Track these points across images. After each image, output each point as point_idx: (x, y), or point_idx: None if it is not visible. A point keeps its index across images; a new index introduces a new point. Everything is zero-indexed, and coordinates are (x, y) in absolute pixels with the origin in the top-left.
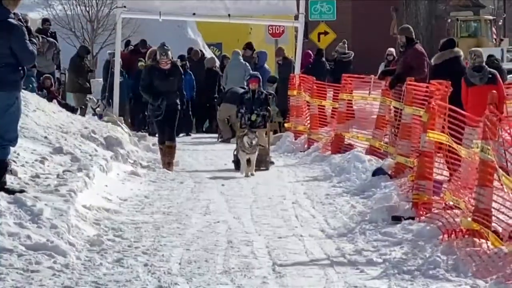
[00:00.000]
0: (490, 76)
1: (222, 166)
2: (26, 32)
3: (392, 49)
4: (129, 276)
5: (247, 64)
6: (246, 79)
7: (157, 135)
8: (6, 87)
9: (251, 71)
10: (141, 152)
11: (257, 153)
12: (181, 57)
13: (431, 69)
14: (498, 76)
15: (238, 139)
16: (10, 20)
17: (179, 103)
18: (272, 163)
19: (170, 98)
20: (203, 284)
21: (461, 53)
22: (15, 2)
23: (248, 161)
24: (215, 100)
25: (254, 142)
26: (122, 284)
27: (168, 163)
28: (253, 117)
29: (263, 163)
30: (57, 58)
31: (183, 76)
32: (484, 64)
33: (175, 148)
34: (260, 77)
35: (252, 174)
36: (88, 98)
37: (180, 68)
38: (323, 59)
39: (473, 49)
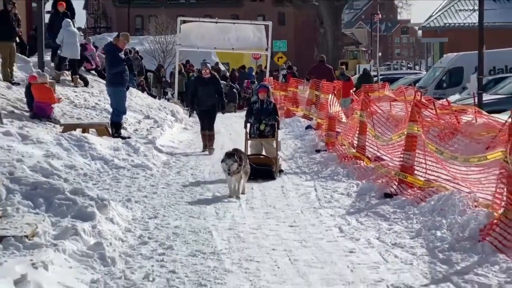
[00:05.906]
0: (347, 78)
1: (230, 125)
2: (116, 57)
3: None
4: (183, 180)
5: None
6: (256, 88)
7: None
8: (113, 85)
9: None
10: (189, 118)
11: (239, 174)
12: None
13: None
14: (351, 77)
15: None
16: (110, 49)
17: (216, 103)
18: (282, 171)
19: (209, 100)
20: (219, 180)
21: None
22: (118, 40)
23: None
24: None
25: (231, 169)
26: (181, 184)
27: (209, 146)
28: (262, 127)
29: (269, 176)
30: (145, 70)
31: (221, 86)
32: (344, 72)
33: (213, 135)
34: (269, 87)
35: (237, 197)
36: (168, 93)
37: (218, 78)
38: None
39: (341, 66)
